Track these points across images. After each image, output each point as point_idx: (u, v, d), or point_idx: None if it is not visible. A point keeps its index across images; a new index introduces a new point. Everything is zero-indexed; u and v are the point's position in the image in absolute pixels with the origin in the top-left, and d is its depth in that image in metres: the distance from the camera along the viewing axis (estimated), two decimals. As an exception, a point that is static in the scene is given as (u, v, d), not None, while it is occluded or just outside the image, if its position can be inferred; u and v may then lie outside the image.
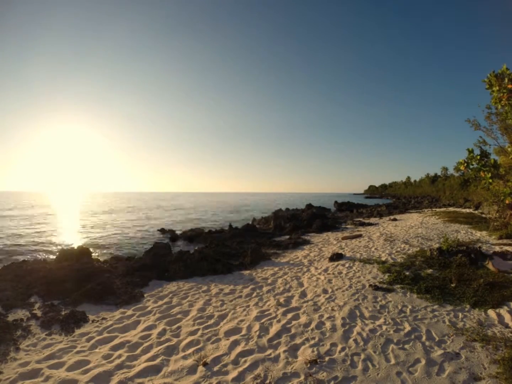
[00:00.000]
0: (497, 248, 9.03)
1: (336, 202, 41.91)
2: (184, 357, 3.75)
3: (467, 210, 25.84)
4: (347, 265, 8.08)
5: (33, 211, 37.65)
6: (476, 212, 23.25)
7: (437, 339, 4.02)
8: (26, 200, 75.98)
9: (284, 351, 3.82)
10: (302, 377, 3.28)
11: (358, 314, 4.89)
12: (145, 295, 6.10)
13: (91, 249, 9.71)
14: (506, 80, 4.10)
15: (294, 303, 5.49)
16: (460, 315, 4.74)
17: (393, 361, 3.53)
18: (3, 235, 16.89)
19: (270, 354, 3.77)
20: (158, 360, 3.68)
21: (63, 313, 5.07)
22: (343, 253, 9.50)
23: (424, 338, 4.06)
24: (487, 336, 4.01)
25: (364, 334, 4.19)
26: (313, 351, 3.79)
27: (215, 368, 3.49)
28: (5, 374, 3.38)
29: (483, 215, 19.06)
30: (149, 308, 5.39)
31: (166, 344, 4.06)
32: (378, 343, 3.95)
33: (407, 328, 4.34)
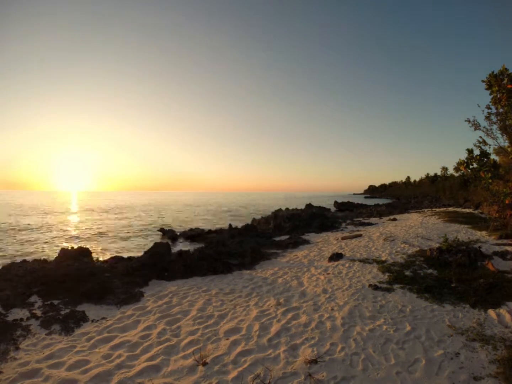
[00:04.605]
0: (497, 248, 9.03)
1: (336, 202, 41.89)
2: (184, 357, 3.75)
3: (467, 210, 25.85)
4: (347, 265, 8.08)
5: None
6: (476, 212, 23.26)
7: (436, 339, 4.03)
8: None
9: (284, 351, 3.83)
10: (302, 377, 3.28)
11: (358, 314, 4.89)
12: (145, 295, 6.10)
13: (91, 249, 9.70)
14: (506, 80, 4.11)
15: (294, 303, 5.49)
16: (460, 315, 4.74)
17: (393, 361, 3.53)
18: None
19: (270, 354, 3.77)
20: (158, 360, 3.68)
21: (63, 312, 5.07)
22: (343, 253, 9.50)
23: (424, 338, 4.06)
24: (487, 336, 4.02)
25: (364, 334, 4.19)
26: (313, 351, 3.79)
27: (215, 368, 3.49)
28: (5, 373, 3.38)
29: (483, 215, 19.07)
30: (149, 308, 5.39)
31: (166, 344, 4.06)
32: (378, 343, 3.95)
33: (407, 328, 4.35)
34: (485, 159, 4.71)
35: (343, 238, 12.74)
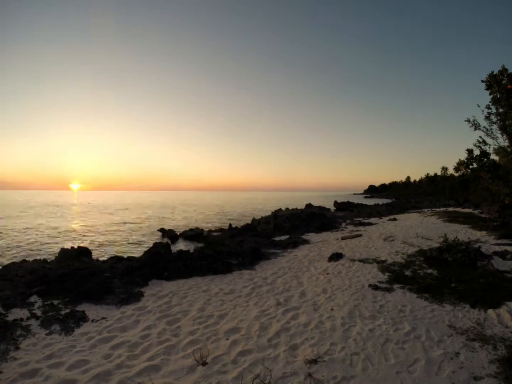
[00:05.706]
0: (497, 248, 9.04)
1: (335, 201, 41.89)
2: (184, 357, 3.75)
3: (467, 210, 25.84)
4: (346, 264, 8.08)
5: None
6: (476, 212, 23.26)
7: (436, 339, 4.03)
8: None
9: (284, 351, 3.83)
10: (302, 377, 3.28)
11: (357, 313, 4.90)
12: (145, 295, 6.10)
13: (90, 249, 9.70)
14: (505, 80, 4.11)
15: (293, 303, 5.49)
16: (460, 314, 4.74)
17: (392, 361, 3.53)
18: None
19: (269, 354, 3.77)
20: (158, 360, 3.68)
21: (62, 312, 5.07)
22: (342, 252, 9.50)
23: (423, 337, 4.06)
24: (487, 336, 4.02)
25: (364, 334, 4.19)
26: (312, 351, 3.79)
27: (215, 368, 3.49)
28: (5, 373, 3.38)
29: (483, 215, 19.07)
30: (149, 308, 5.39)
31: (166, 344, 4.06)
32: (378, 342, 3.95)
33: (407, 327, 4.35)
34: (485, 159, 4.72)
35: (343, 238, 12.74)
